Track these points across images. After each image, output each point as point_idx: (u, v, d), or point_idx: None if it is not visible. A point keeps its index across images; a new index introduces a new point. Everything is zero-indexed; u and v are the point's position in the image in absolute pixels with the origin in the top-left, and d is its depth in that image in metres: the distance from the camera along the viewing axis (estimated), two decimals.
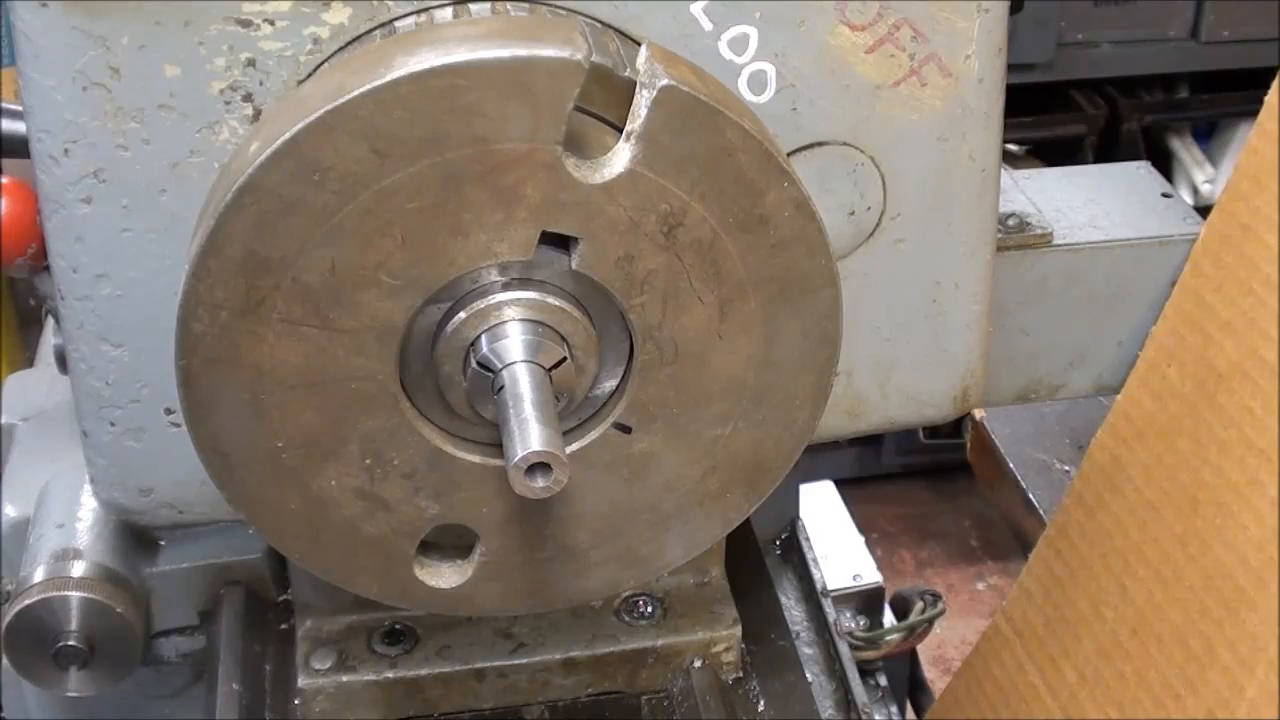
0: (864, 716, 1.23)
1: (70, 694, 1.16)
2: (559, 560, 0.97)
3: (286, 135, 0.79)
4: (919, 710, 1.71)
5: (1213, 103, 3.46)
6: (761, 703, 1.22)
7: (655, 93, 0.82)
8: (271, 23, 0.93)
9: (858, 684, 1.25)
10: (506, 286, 0.87)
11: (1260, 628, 1.14)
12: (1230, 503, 1.19)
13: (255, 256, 0.82)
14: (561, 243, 0.86)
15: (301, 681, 1.17)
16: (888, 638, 1.58)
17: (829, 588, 1.37)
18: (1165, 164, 3.46)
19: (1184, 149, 3.50)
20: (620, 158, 0.83)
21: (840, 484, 1.84)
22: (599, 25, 0.95)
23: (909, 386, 1.14)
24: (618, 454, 0.93)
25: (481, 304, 0.87)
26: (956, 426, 1.47)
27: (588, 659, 1.20)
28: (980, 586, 3.31)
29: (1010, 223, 1.26)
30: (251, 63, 0.93)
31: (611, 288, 0.87)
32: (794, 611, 1.34)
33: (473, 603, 0.98)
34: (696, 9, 0.97)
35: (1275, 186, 1.20)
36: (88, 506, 1.18)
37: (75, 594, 1.13)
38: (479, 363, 0.87)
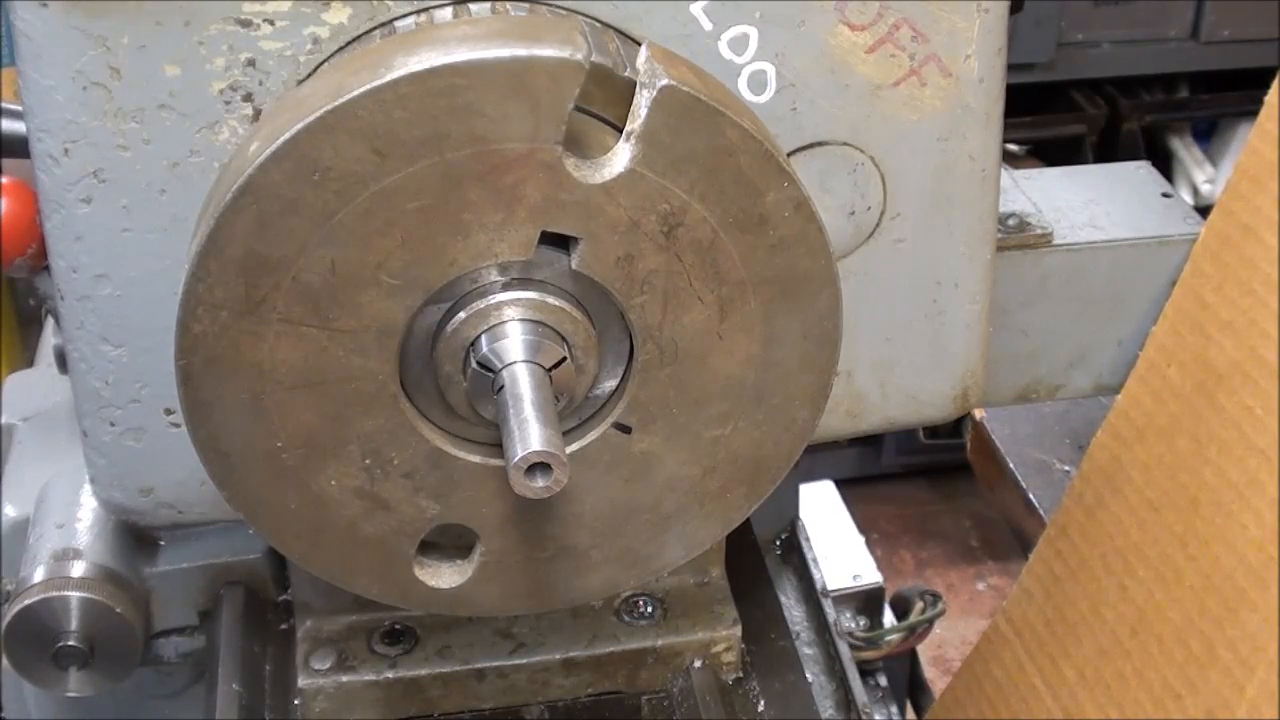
0: (864, 716, 1.23)
1: (70, 694, 1.16)
2: (559, 560, 0.97)
3: (286, 135, 0.79)
4: (919, 710, 1.71)
5: (1213, 103, 3.46)
6: (761, 703, 1.22)
7: (655, 93, 0.82)
8: (271, 23, 0.93)
9: (858, 684, 1.25)
10: (506, 286, 0.87)
11: (1260, 628, 1.14)
12: (1230, 503, 1.19)
13: (255, 256, 0.82)
14: (561, 243, 0.86)
15: (301, 681, 1.17)
16: (888, 638, 1.59)
17: (829, 588, 1.37)
18: (1165, 164, 3.46)
19: (1184, 149, 3.50)
20: (620, 158, 0.83)
21: (840, 484, 1.85)
22: (599, 25, 0.95)
23: (909, 386, 1.14)
24: (618, 454, 0.93)
25: (481, 304, 0.87)
26: (956, 426, 1.47)
27: (588, 659, 1.20)
28: (980, 586, 3.31)
29: (1010, 223, 1.26)
30: (251, 63, 0.93)
31: (611, 288, 0.87)
32: (794, 611, 1.34)
33: (473, 603, 0.98)
34: (696, 9, 0.97)
35: (1275, 186, 1.20)
36: (88, 506, 1.18)
37: (75, 594, 1.13)
38: (479, 363, 0.87)
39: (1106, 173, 1.41)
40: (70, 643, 1.13)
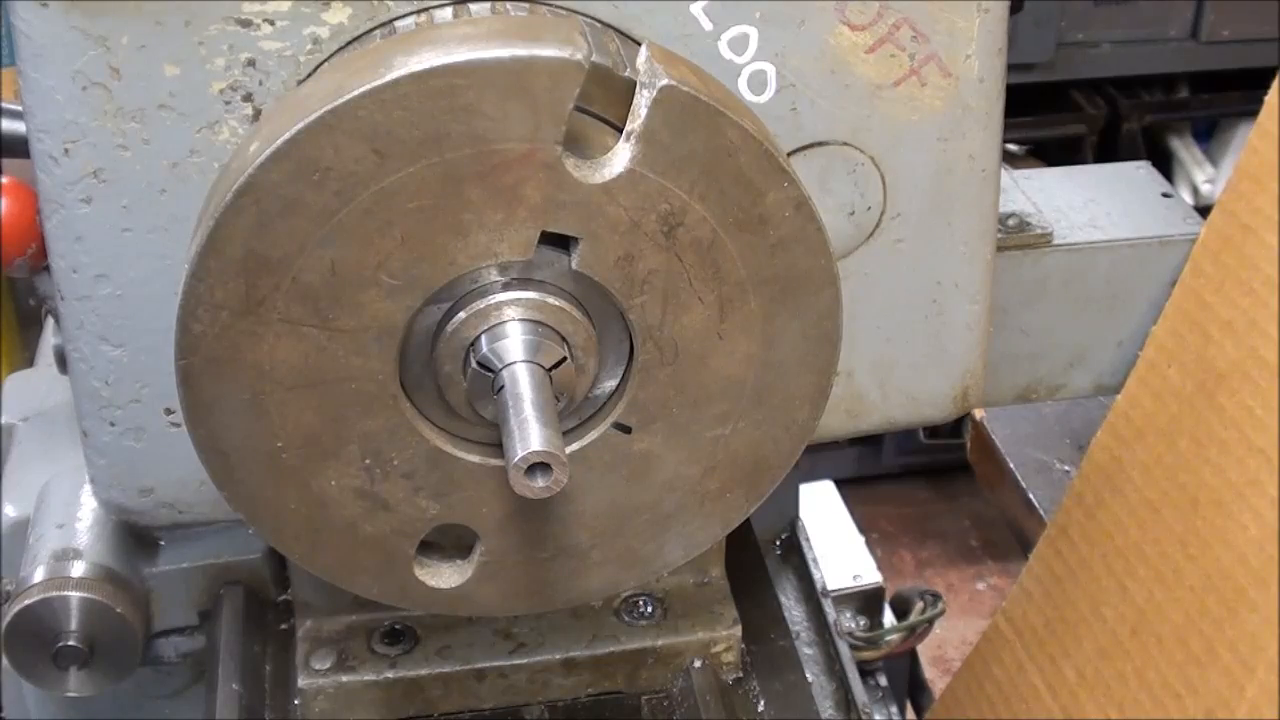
0: (864, 716, 1.23)
1: (70, 694, 1.16)
2: (559, 560, 0.97)
3: (286, 135, 0.79)
4: (919, 710, 1.71)
5: (1213, 103, 3.46)
6: (761, 703, 1.22)
7: (655, 93, 0.82)
8: (271, 23, 0.93)
9: (858, 684, 1.25)
10: (506, 286, 0.87)
11: (1260, 628, 1.14)
12: (1230, 503, 1.19)
13: (255, 256, 0.82)
14: (561, 243, 0.86)
15: (301, 681, 1.17)
16: (888, 638, 1.58)
17: (829, 588, 1.37)
18: (1165, 164, 3.46)
19: (1184, 149, 3.49)
20: (620, 158, 0.83)
21: (840, 484, 1.84)
22: (599, 25, 0.95)
23: (909, 386, 1.14)
24: (618, 454, 0.93)
25: (481, 304, 0.87)
26: (956, 426, 1.47)
27: (588, 659, 1.20)
28: (980, 586, 3.31)
29: (1010, 223, 1.26)
30: (251, 63, 0.93)
31: (611, 288, 0.87)
32: (794, 611, 1.34)
33: (473, 603, 0.98)
34: (696, 9, 0.97)
35: (1275, 186, 1.20)
36: (88, 506, 1.18)
37: (75, 594, 1.13)
38: (479, 363, 0.87)
39: (1106, 173, 1.41)
40: (70, 643, 1.13)
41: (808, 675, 1.25)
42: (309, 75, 0.94)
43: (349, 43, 0.94)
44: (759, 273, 0.88)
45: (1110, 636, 1.29)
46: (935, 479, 3.54)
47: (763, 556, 1.35)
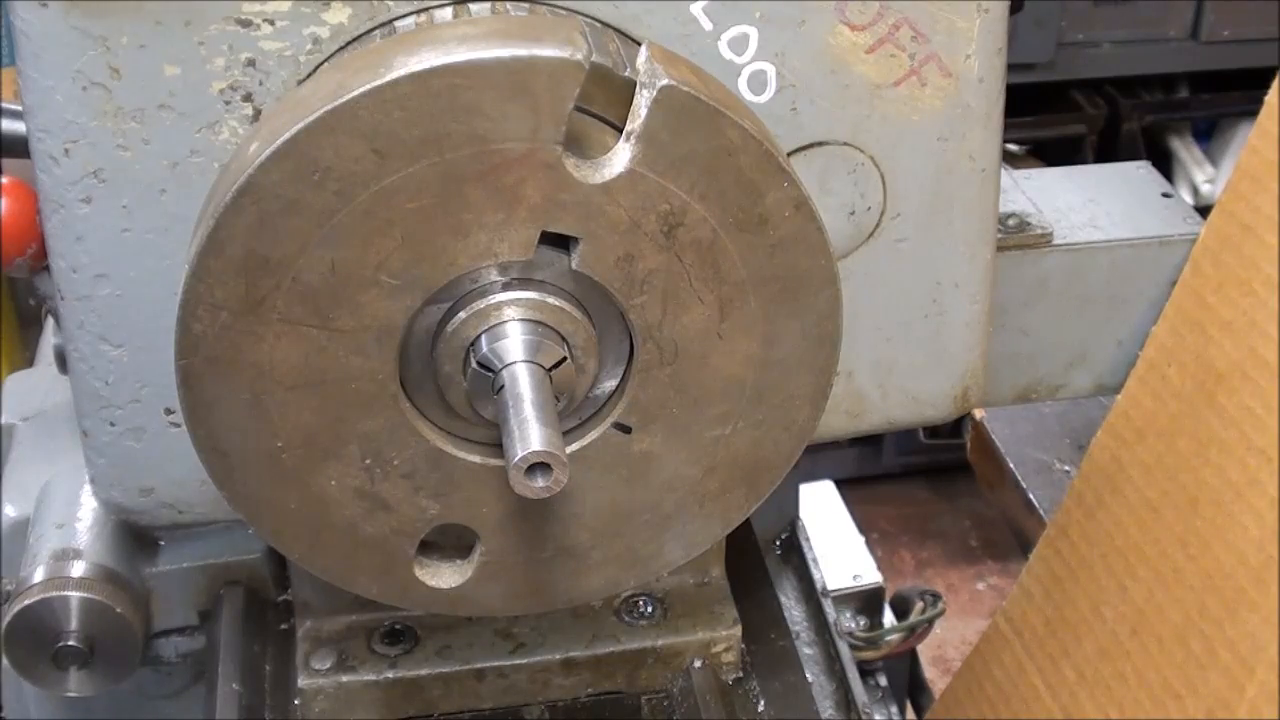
0: (864, 716, 1.23)
1: (70, 694, 1.16)
2: (559, 560, 0.97)
3: (286, 135, 0.79)
4: (919, 710, 1.71)
5: (1213, 103, 3.46)
6: (761, 703, 1.22)
7: (655, 93, 0.82)
8: (271, 23, 0.93)
9: (858, 684, 1.25)
10: (506, 286, 0.87)
11: (1260, 628, 1.14)
12: (1230, 503, 1.19)
13: (255, 256, 0.82)
14: (561, 243, 0.86)
15: (301, 681, 1.17)
16: (888, 638, 1.59)
17: (829, 588, 1.37)
18: (1165, 164, 3.46)
19: (1184, 149, 3.50)
20: (620, 158, 0.83)
21: (840, 484, 1.84)
22: (599, 25, 0.95)
23: (909, 386, 1.14)
24: (618, 454, 0.93)
25: (481, 304, 0.87)
26: (956, 426, 1.47)
27: (588, 659, 1.20)
28: (980, 586, 3.31)
29: (1010, 223, 1.26)
30: (251, 63, 0.94)
31: (611, 288, 0.87)
32: (794, 611, 1.34)
33: (473, 603, 0.98)
34: (696, 9, 0.97)
35: (1275, 186, 1.20)
36: (88, 506, 1.18)
37: (75, 594, 1.13)
38: (479, 363, 0.87)
39: (1106, 173, 1.40)
40: (70, 643, 1.13)
41: (808, 675, 1.25)
42: (309, 75, 0.94)
43: (349, 43, 0.94)
44: (759, 273, 0.88)
45: (1110, 636, 1.29)
46: (935, 479, 3.54)
47: (763, 556, 1.35)
